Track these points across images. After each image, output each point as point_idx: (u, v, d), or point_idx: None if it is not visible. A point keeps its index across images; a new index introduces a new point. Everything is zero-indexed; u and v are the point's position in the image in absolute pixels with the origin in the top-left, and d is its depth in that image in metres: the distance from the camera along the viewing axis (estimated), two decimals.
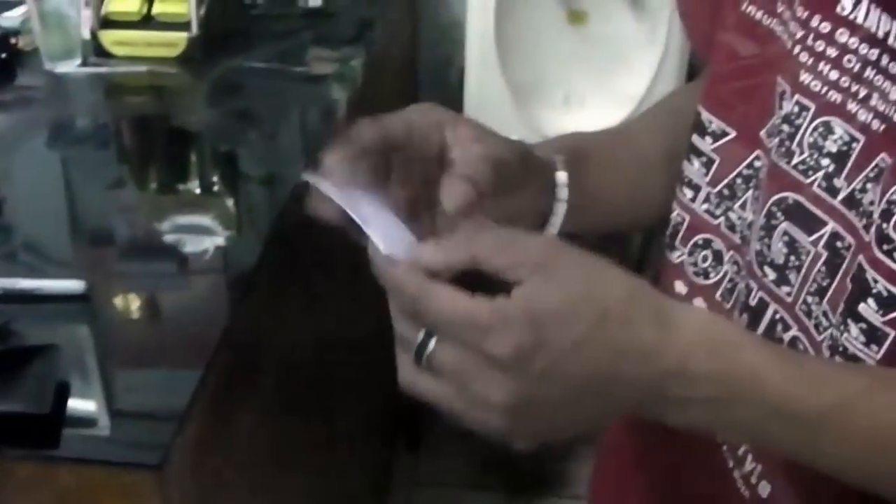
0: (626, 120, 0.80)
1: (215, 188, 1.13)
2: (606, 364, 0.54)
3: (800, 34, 0.64)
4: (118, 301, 0.89)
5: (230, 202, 1.10)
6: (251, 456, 1.01)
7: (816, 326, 0.64)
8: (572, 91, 1.83)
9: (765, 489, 0.70)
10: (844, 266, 0.62)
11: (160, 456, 0.72)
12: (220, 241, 0.99)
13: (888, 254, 0.58)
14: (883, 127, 0.60)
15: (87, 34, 1.32)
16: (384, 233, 0.58)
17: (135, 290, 0.91)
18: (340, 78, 1.36)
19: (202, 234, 1.00)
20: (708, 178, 0.74)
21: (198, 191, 1.11)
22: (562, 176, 0.71)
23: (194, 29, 1.33)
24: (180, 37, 1.34)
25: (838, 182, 0.63)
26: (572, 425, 0.57)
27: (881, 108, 0.60)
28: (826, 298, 0.63)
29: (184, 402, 0.76)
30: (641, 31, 1.76)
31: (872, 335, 0.59)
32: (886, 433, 0.56)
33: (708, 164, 0.73)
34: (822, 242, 0.64)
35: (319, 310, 1.32)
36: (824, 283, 0.64)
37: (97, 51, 1.33)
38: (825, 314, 0.63)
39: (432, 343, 0.54)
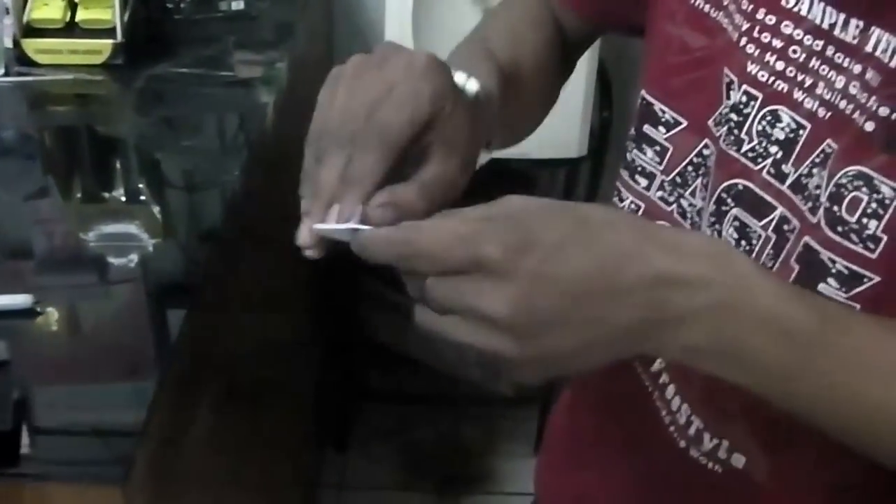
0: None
1: (149, 196, 1.11)
2: (597, 265, 0.53)
3: (745, 26, 0.67)
4: (64, 314, 0.88)
5: (163, 210, 1.09)
6: (202, 463, 1.02)
7: None
8: None
9: (738, 461, 0.72)
10: (787, 247, 0.65)
11: (123, 471, 0.72)
12: (150, 249, 0.98)
13: (844, 235, 0.61)
14: (829, 115, 0.63)
15: (9, 43, 1.29)
16: None
17: (79, 302, 0.90)
18: (267, 81, 1.35)
19: (131, 243, 0.99)
20: (662, 167, 0.75)
21: (135, 199, 1.10)
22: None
23: (119, 35, 1.31)
24: (105, 44, 1.31)
25: (786, 168, 0.65)
26: (578, 348, 0.54)
27: (827, 96, 0.63)
28: None
29: (141, 416, 0.76)
30: None
31: None
32: (871, 364, 0.56)
33: (662, 152, 0.75)
34: (771, 226, 0.66)
35: (249, 315, 1.31)
36: (769, 265, 0.66)
37: (20, 59, 1.30)
38: None
39: (428, 282, 0.54)
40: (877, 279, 0.60)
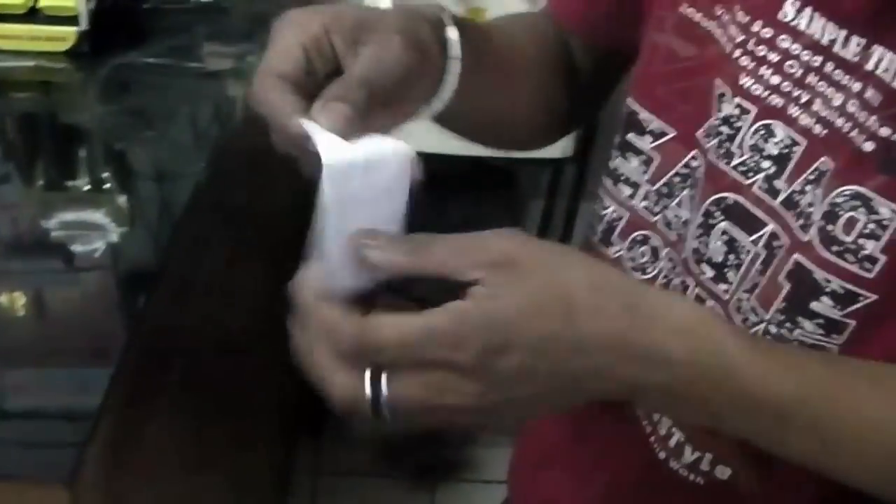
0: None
1: (114, 186, 1.09)
2: (577, 359, 0.52)
3: (740, 38, 0.64)
4: (12, 302, 0.86)
5: (129, 200, 1.06)
6: (159, 455, 1.00)
7: (744, 321, 0.65)
8: None
9: (723, 472, 0.71)
10: (775, 263, 0.63)
11: (70, 470, 0.70)
12: (115, 238, 0.96)
13: (839, 255, 0.59)
14: (825, 132, 0.60)
15: None
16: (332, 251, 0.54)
17: (31, 289, 0.89)
18: (237, 74, 1.32)
19: (96, 231, 0.97)
20: (647, 176, 0.73)
21: (100, 188, 1.08)
22: (452, 32, 0.64)
23: (83, 23, 1.27)
24: (69, 31, 1.27)
25: (779, 184, 0.63)
26: (545, 411, 0.57)
27: (823, 113, 0.60)
28: (755, 294, 0.64)
29: (91, 412, 0.74)
30: None
31: (832, 326, 0.60)
32: (859, 424, 0.56)
33: (647, 162, 0.73)
34: (761, 242, 0.64)
35: (219, 302, 1.29)
36: (758, 281, 0.64)
37: None
38: (753, 310, 0.64)
39: (384, 384, 0.51)
40: (873, 297, 0.59)
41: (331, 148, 0.52)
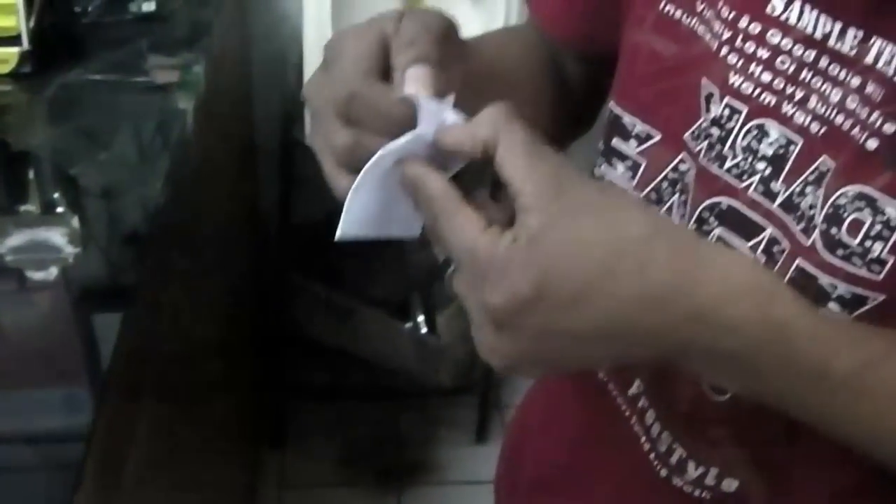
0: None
1: (67, 208, 1.06)
2: (616, 314, 0.50)
3: (727, 35, 0.60)
4: None
5: (83, 221, 1.03)
6: (130, 475, 0.98)
7: None
8: None
9: (731, 485, 0.68)
10: (776, 270, 0.60)
11: (74, 481, 0.70)
12: (70, 259, 0.94)
13: (846, 259, 0.55)
14: (823, 130, 0.57)
15: None
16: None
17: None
18: (184, 86, 1.28)
19: (50, 253, 0.94)
20: (635, 182, 0.70)
21: (52, 210, 1.05)
22: None
23: (25, 43, 1.23)
24: (10, 52, 1.22)
25: (776, 186, 0.60)
26: (585, 364, 0.56)
27: (821, 110, 0.57)
28: None
29: (84, 424, 0.75)
30: (479, 22, 1.75)
31: None
32: None
33: (634, 167, 0.69)
34: (760, 248, 0.61)
35: (181, 319, 1.27)
36: None
37: None
38: None
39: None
40: (882, 297, 0.56)
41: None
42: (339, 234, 0.55)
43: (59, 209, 1.07)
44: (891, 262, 0.55)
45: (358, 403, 2.27)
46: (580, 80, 0.80)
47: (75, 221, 1.03)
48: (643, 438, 0.72)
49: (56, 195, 1.10)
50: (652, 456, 0.71)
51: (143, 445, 1.02)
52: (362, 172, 0.54)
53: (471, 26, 1.71)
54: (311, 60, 1.70)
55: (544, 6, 0.78)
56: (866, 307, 0.56)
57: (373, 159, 0.54)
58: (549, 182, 0.50)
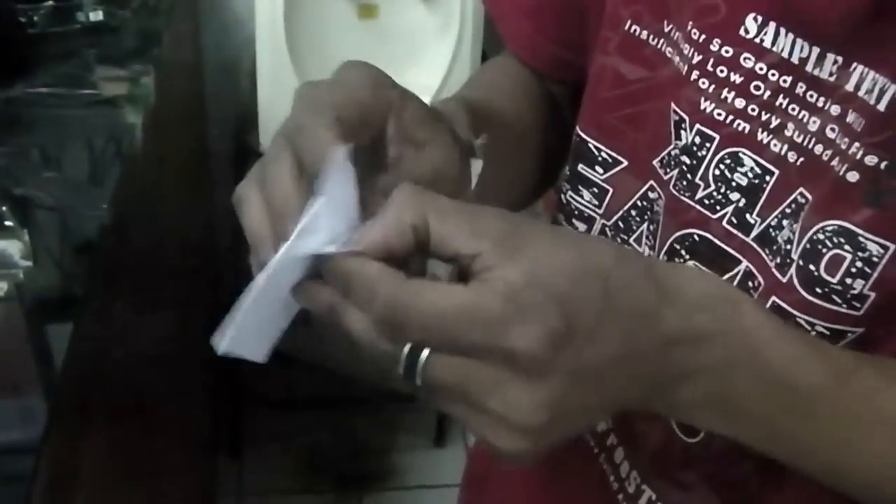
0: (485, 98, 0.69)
1: (16, 224, 1.04)
2: (623, 340, 0.45)
3: (697, 58, 0.57)
4: None
5: (32, 237, 1.01)
6: (84, 487, 0.98)
7: None
8: None
9: None
10: None
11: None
12: (20, 275, 0.93)
13: (825, 297, 0.52)
14: (801, 160, 0.54)
15: None
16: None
17: None
18: (133, 99, 1.25)
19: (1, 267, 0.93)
20: (602, 210, 0.67)
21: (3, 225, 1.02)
22: (477, 165, 0.57)
23: None
24: None
25: (751, 217, 0.56)
26: (587, 425, 0.48)
27: (798, 139, 0.54)
28: None
29: (35, 436, 0.74)
30: (433, 23, 1.72)
31: None
32: (871, 416, 0.50)
33: (600, 194, 0.66)
34: (735, 283, 0.57)
35: (136, 327, 1.26)
36: None
37: None
38: None
39: (424, 354, 0.43)
40: (860, 331, 0.53)
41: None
42: (224, 347, 0.47)
43: (8, 223, 1.04)
44: (871, 297, 0.52)
45: (315, 410, 2.24)
46: (568, 103, 0.76)
47: (25, 235, 1.01)
48: (612, 477, 0.69)
49: (4, 209, 1.08)
50: (620, 496, 0.68)
51: (96, 457, 1.01)
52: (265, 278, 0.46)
53: (425, 27, 1.70)
54: (264, 67, 1.68)
55: (518, 36, 0.75)
56: (845, 340, 0.54)
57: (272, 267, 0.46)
58: (505, 231, 0.44)
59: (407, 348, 0.43)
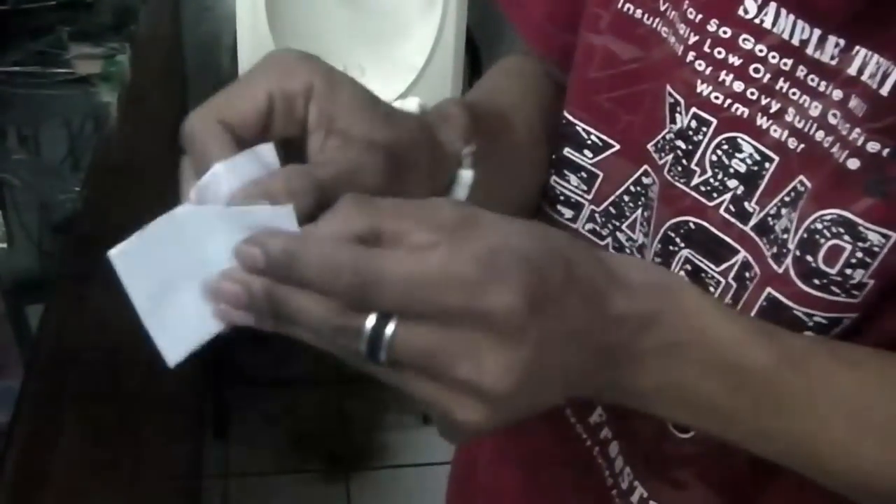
0: (495, 96, 0.66)
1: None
2: (580, 314, 0.43)
3: (693, 39, 0.54)
4: None
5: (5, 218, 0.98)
6: (67, 469, 0.97)
7: None
8: (351, 63, 1.75)
9: None
10: (745, 298, 0.54)
11: None
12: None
13: (824, 288, 0.50)
14: (801, 146, 0.51)
15: None
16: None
17: None
18: (108, 77, 1.22)
19: None
20: (591, 195, 0.64)
21: None
22: (466, 175, 0.54)
23: None
24: None
25: (749, 205, 0.54)
26: (545, 401, 0.45)
27: (799, 124, 0.51)
28: None
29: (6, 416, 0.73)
30: (418, 0, 1.71)
31: None
32: (827, 401, 0.48)
33: (589, 179, 0.64)
34: (732, 273, 0.55)
35: (113, 311, 1.23)
36: None
37: None
38: None
39: (390, 327, 0.40)
40: (855, 315, 0.51)
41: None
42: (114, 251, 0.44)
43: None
44: (870, 284, 0.50)
45: (302, 389, 2.22)
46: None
47: (0, 216, 0.98)
48: (606, 472, 0.67)
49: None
50: (614, 492, 0.66)
51: (74, 438, 0.99)
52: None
53: (409, 3, 1.67)
54: (245, 43, 1.65)
55: (527, 24, 0.71)
56: (841, 326, 0.52)
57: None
58: (462, 217, 0.42)
59: (371, 323, 0.40)
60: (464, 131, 0.54)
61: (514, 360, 0.41)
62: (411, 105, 0.54)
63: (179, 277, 0.44)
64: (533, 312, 0.40)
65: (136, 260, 0.43)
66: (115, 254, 0.43)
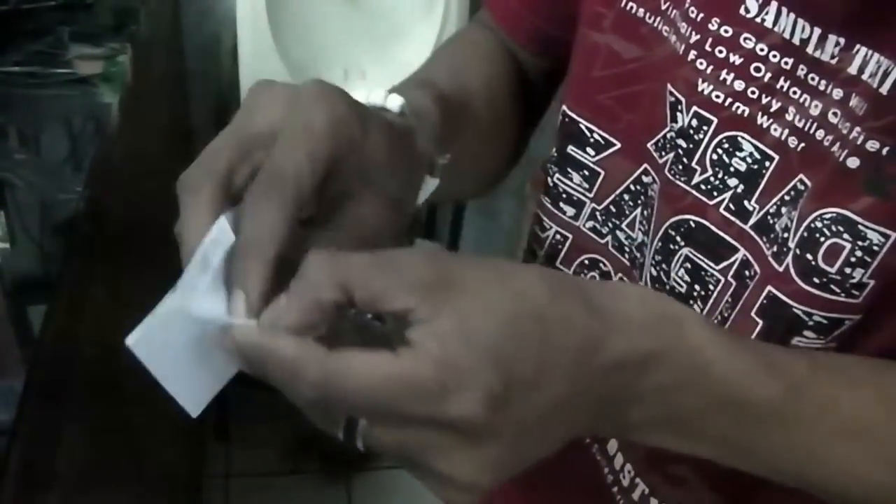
0: (449, 79, 0.64)
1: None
2: (566, 379, 0.42)
3: (695, 38, 0.54)
4: None
5: (5, 217, 0.99)
6: (68, 469, 0.97)
7: None
8: (352, 65, 1.75)
9: None
10: (745, 296, 0.54)
11: None
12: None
13: (824, 287, 0.50)
14: (801, 145, 0.51)
15: None
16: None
17: None
18: (108, 78, 1.22)
19: None
20: (592, 194, 0.64)
21: None
22: (431, 183, 0.55)
23: None
24: None
25: (749, 204, 0.54)
26: (537, 461, 0.45)
27: (799, 123, 0.51)
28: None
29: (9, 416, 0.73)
30: (419, 1, 1.71)
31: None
32: (830, 425, 0.48)
33: (591, 177, 0.64)
34: (731, 271, 0.55)
35: (114, 313, 1.23)
36: (727, 315, 0.55)
37: None
38: None
39: (362, 424, 0.41)
40: (857, 318, 0.51)
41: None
42: (131, 340, 0.46)
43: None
44: (870, 285, 0.50)
45: None
46: (540, 81, 0.73)
47: (2, 217, 0.99)
48: (606, 469, 0.67)
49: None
50: (615, 489, 0.66)
51: (75, 439, 1.00)
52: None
53: (410, 4, 1.67)
54: (246, 44, 1.65)
55: (502, 6, 0.71)
56: (842, 328, 0.52)
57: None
58: (433, 280, 0.41)
59: (343, 419, 0.42)
60: (438, 130, 0.54)
61: (483, 457, 0.41)
62: (393, 104, 0.53)
63: (189, 342, 0.47)
64: (497, 411, 0.40)
65: (150, 341, 0.47)
66: (133, 342, 0.46)
